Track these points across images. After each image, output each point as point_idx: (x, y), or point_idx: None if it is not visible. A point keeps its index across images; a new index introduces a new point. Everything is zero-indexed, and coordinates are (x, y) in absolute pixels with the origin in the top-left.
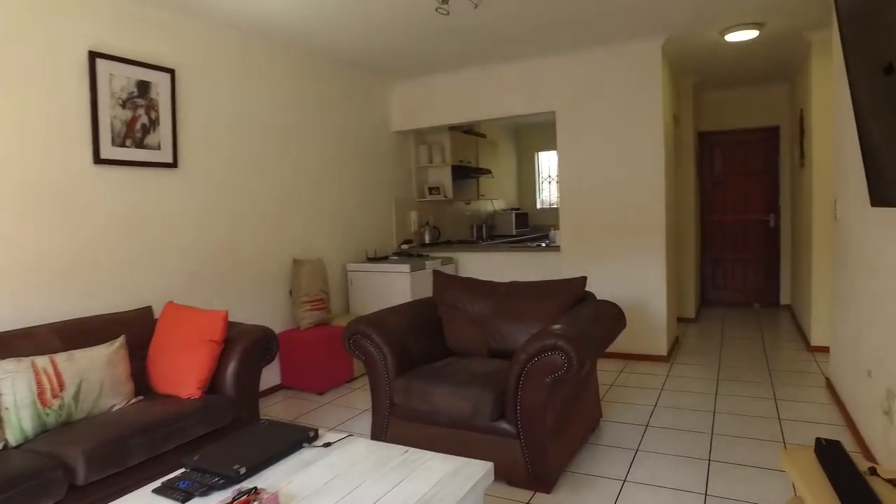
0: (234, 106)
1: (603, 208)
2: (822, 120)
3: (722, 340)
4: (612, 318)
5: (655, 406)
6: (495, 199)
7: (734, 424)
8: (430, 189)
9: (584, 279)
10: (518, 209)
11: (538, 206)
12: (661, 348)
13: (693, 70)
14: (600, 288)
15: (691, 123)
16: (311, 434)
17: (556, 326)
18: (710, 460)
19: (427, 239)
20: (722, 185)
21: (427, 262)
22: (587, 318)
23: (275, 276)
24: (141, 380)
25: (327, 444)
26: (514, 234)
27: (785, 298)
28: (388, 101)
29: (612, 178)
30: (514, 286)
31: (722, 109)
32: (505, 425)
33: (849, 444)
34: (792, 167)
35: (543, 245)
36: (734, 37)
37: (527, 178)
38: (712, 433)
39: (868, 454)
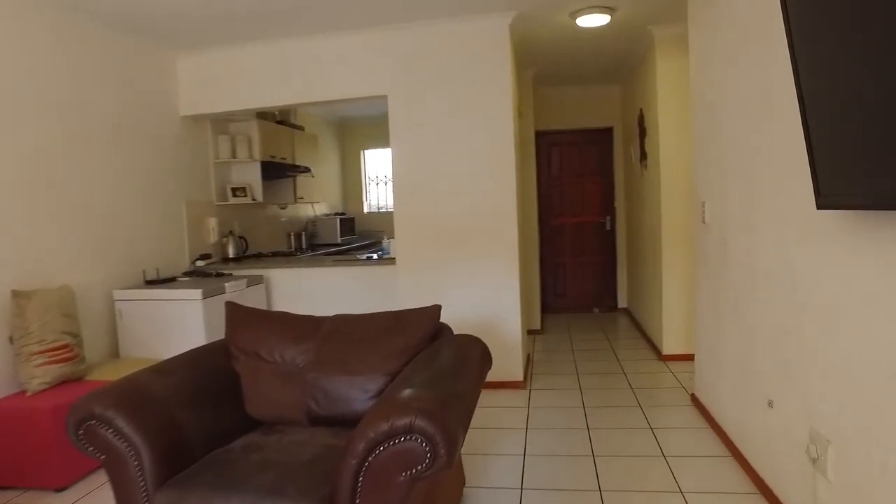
0: None
1: (446, 212)
2: (668, 119)
3: (574, 355)
4: (478, 362)
5: (525, 455)
6: (316, 202)
7: (620, 471)
8: (235, 190)
9: (437, 309)
10: (343, 214)
11: (365, 210)
12: (517, 373)
13: (533, 60)
14: (445, 306)
15: (532, 120)
16: None
17: (409, 393)
18: None
19: (231, 252)
20: (559, 186)
21: (228, 284)
22: (449, 371)
23: None
24: None
25: None
26: (340, 242)
27: (622, 302)
28: (174, 75)
29: (457, 175)
30: (343, 322)
31: (556, 108)
32: None
33: (743, 484)
34: (627, 168)
35: (376, 257)
36: (585, 21)
37: (352, 179)
38: (600, 489)
39: (766, 490)
